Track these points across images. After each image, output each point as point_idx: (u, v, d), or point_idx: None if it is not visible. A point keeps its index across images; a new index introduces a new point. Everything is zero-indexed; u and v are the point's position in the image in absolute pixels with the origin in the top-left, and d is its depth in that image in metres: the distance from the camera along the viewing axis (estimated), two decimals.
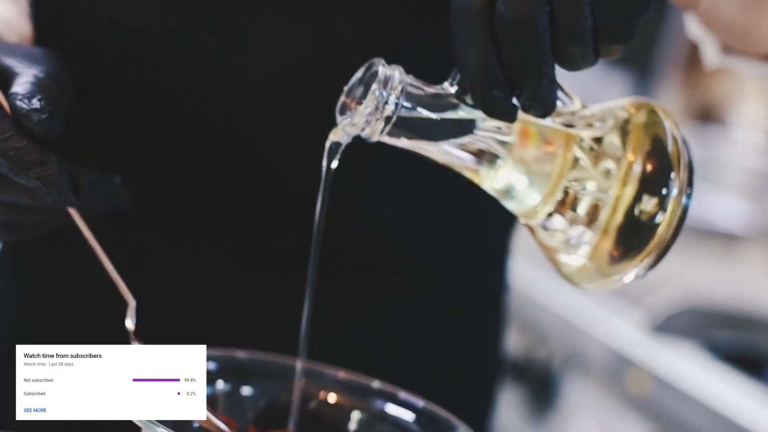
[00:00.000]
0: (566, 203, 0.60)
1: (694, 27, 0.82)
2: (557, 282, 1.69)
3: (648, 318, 1.51)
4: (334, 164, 0.62)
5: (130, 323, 0.64)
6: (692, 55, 2.46)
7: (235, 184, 0.79)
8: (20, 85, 0.62)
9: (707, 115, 2.77)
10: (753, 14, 0.74)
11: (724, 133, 2.59)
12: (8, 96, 0.62)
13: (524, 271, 1.44)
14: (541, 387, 1.67)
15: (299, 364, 0.64)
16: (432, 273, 0.85)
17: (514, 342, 1.66)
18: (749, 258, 1.92)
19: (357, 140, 0.61)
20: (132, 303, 0.64)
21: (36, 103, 0.61)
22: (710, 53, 0.82)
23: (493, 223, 0.89)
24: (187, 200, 0.80)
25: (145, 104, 0.78)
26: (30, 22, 0.79)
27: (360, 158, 0.78)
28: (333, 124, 0.79)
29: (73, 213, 0.64)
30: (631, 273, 0.60)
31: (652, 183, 0.59)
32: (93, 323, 0.80)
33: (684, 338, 1.48)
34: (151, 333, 0.64)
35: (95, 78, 0.77)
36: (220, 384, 0.61)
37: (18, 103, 0.61)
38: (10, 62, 0.64)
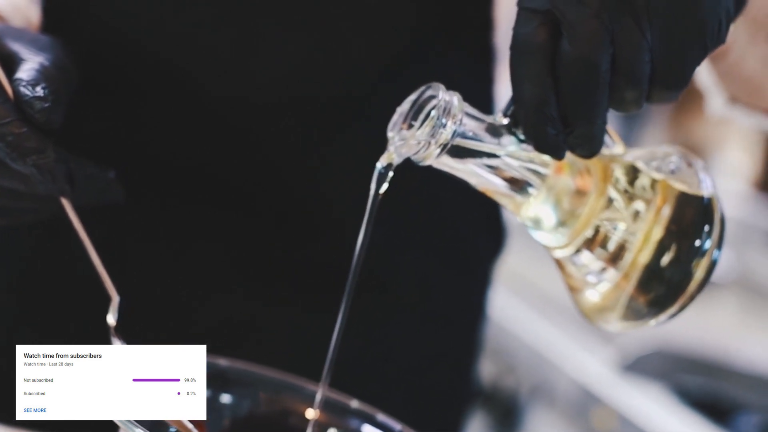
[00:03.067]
0: (595, 241, 0.60)
1: (703, 76, 0.82)
2: (529, 311, 1.69)
3: (618, 357, 1.51)
4: (383, 188, 0.60)
5: (111, 319, 0.63)
6: (678, 99, 2.47)
7: (233, 185, 0.79)
8: (25, 72, 0.62)
9: None
10: None
11: None
12: (12, 81, 0.62)
13: (497, 298, 1.44)
14: (507, 415, 1.67)
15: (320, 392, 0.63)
16: (414, 295, 0.85)
17: (482, 368, 1.66)
18: (723, 306, 1.93)
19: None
20: (115, 299, 0.64)
21: (39, 91, 0.61)
22: (716, 103, 0.82)
23: (480, 252, 0.89)
24: (184, 199, 0.80)
25: (149, 100, 0.78)
26: (39, 9, 0.79)
27: (352, 178, 0.78)
28: (334, 131, 0.79)
29: (66, 203, 0.64)
30: (654, 321, 0.60)
31: (687, 234, 0.59)
32: (77, 315, 0.80)
33: (652, 380, 1.49)
34: (135, 330, 0.63)
35: (103, 70, 0.77)
36: None
37: (22, 89, 0.61)
38: (17, 47, 0.64)
